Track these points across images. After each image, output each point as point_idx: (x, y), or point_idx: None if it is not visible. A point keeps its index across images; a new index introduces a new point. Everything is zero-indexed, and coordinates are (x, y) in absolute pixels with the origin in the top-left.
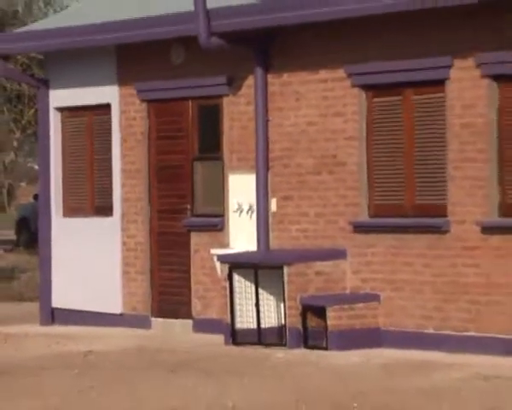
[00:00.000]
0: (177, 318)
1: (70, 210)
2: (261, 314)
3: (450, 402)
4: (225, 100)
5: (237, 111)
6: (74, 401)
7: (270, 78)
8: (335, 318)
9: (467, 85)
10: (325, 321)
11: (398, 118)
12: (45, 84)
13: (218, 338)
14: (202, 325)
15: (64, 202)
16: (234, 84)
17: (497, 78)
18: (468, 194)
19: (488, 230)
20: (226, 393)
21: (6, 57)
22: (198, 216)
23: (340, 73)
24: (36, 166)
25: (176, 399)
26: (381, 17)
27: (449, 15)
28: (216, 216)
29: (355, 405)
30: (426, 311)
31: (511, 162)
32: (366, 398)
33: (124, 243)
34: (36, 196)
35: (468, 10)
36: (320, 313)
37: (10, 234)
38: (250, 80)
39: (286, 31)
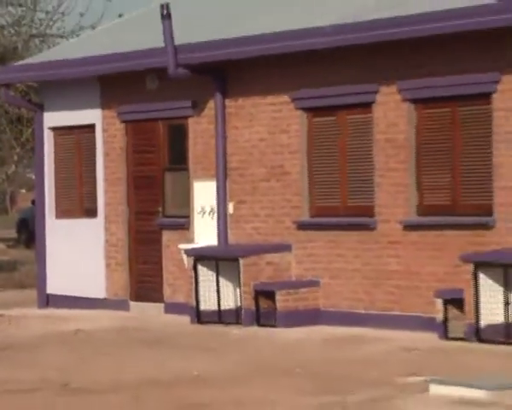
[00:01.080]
0: (151, 302)
1: (61, 213)
2: (221, 298)
3: (379, 369)
4: (190, 120)
5: (200, 129)
6: (67, 371)
7: (227, 102)
8: (283, 300)
9: (390, 107)
10: (274, 303)
11: (333, 134)
12: (40, 108)
13: (185, 318)
14: (172, 308)
15: (56, 205)
16: (197, 107)
17: (414, 101)
18: (392, 197)
19: (408, 227)
20: (192, 364)
21: (8, 85)
22: (168, 217)
23: (285, 98)
24: (33, 176)
25: (150, 369)
26: (319, 51)
27: (374, 51)
28: (183, 217)
29: (298, 370)
30: (357, 294)
31: (427, 171)
32: (308, 366)
33: (106, 240)
34: (33, 201)
35: (393, 46)
36: (270, 296)
37: (12, 233)
38: (211, 104)
39: (240, 63)
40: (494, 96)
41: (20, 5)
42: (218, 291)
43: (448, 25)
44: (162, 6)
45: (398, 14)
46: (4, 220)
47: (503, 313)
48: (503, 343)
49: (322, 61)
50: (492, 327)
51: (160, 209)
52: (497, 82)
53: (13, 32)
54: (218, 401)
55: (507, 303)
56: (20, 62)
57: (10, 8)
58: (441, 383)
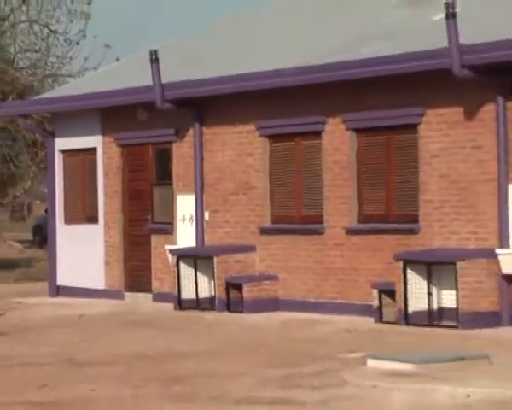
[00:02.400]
0: (141, 292)
1: (69, 219)
2: (198, 289)
3: (326, 347)
4: (174, 145)
5: (182, 152)
6: (73, 347)
7: (204, 130)
8: (249, 291)
9: (336, 135)
10: (242, 293)
11: (290, 157)
12: (52, 134)
13: (170, 306)
14: (159, 297)
15: (65, 213)
16: (180, 134)
17: (356, 130)
18: (337, 208)
19: (350, 232)
20: (174, 342)
21: (26, 116)
22: (156, 223)
23: (251, 127)
24: (46, 190)
25: (140, 346)
26: (280, 89)
27: (325, 88)
28: (168, 223)
29: (262, 350)
30: (309, 286)
31: (365, 187)
32: (270, 344)
33: (106, 242)
34: (46, 210)
35: (339, 85)
36: (238, 288)
37: (28, 236)
38: (191, 131)
39: (215, 98)
40: (420, 126)
41: (36, 51)
42: (196, 283)
43: (382, 68)
44: (151, 52)
45: (343, 60)
46: (22, 226)
47: (427, 301)
48: (427, 326)
49: (282, 97)
50: (418, 313)
51: (149, 217)
52: (422, 115)
53: (30, 72)
54: (197, 372)
55: (429, 293)
56: (36, 97)
57: (28, 54)
58: (376, 358)
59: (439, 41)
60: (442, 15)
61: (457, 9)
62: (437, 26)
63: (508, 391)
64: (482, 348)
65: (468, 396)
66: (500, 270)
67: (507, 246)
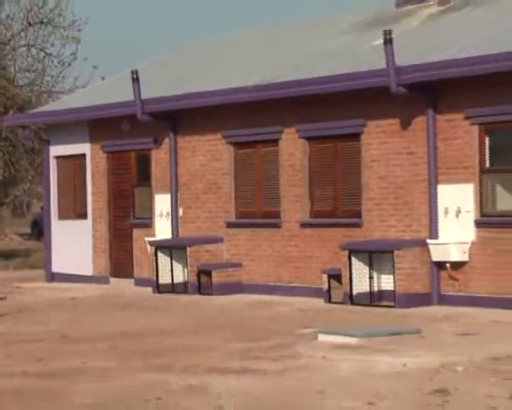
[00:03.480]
0: (124, 277)
1: (62, 215)
2: (174, 275)
3: (283, 323)
4: (153, 151)
5: (159, 158)
6: (65, 326)
7: (178, 138)
8: (217, 277)
9: (291, 143)
10: (211, 279)
11: (252, 161)
12: (47, 142)
13: (149, 289)
14: (139, 282)
15: (59, 210)
16: (157, 142)
17: (307, 139)
18: (292, 205)
19: (303, 225)
20: (153, 321)
21: (24, 127)
22: (137, 219)
23: (219, 136)
24: (42, 190)
25: (124, 324)
26: (243, 103)
27: (281, 103)
28: (147, 218)
29: (228, 326)
30: (268, 272)
31: (316, 187)
32: (235, 321)
33: (93, 235)
34: (42, 208)
35: (293, 100)
36: (208, 274)
37: (27, 230)
38: (167, 140)
39: (187, 111)
40: (362, 135)
41: (33, 71)
42: (172, 270)
43: (330, 86)
44: (132, 72)
45: (297, 78)
46: (22, 221)
47: (368, 284)
48: (368, 305)
49: (245, 111)
50: (361, 294)
51: (131, 213)
52: (364, 126)
53: (28, 90)
54: (173, 347)
55: (371, 278)
56: (33, 111)
57: (27, 74)
58: (326, 333)
59: (379, 62)
60: (381, 41)
61: (394, 35)
62: (377, 49)
63: (437, 359)
64: (415, 324)
65: (405, 365)
66: (430, 258)
67: (436, 237)
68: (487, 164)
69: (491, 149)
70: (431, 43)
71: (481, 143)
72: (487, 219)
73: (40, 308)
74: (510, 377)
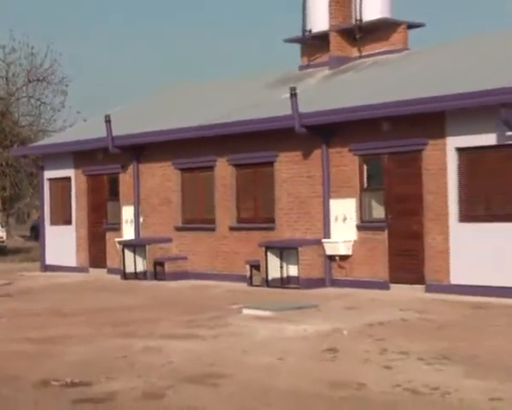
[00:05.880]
0: (100, 268)
1: (53, 222)
2: (137, 266)
3: (217, 301)
4: (120, 175)
5: (126, 180)
6: (58, 304)
7: (140, 165)
8: (168, 267)
9: (222, 168)
10: (164, 268)
11: (195, 182)
12: (42, 168)
13: (118, 277)
14: (112, 271)
15: (51, 218)
16: (124, 168)
17: (235, 166)
18: (224, 214)
19: (232, 228)
20: (121, 300)
21: (25, 156)
22: (109, 224)
23: (169, 163)
24: (38, 203)
25: (100, 302)
26: (188, 139)
27: (217, 139)
28: (117, 224)
29: (180, 303)
30: (206, 263)
31: (242, 200)
32: (182, 300)
33: (76, 236)
34: (39, 216)
35: (225, 138)
36: (162, 265)
37: (28, 232)
38: (131, 166)
39: (146, 145)
40: (275, 163)
41: (32, 115)
42: (135, 262)
43: (251, 127)
44: (105, 116)
45: (226, 121)
46: (24, 227)
47: (279, 272)
48: (280, 287)
49: (189, 145)
50: (274, 279)
51: (105, 220)
52: (276, 156)
53: (28, 129)
54: (136, 319)
55: (281, 267)
56: (32, 145)
57: (27, 117)
58: (248, 307)
59: (287, 110)
60: (288, 94)
61: (298, 91)
62: (285, 101)
63: (329, 326)
64: (314, 300)
65: (305, 330)
66: (325, 252)
67: (329, 237)
68: (365, 184)
69: (367, 173)
70: (325, 96)
71: (361, 169)
72: (365, 225)
73: (37, 291)
74: (381, 339)
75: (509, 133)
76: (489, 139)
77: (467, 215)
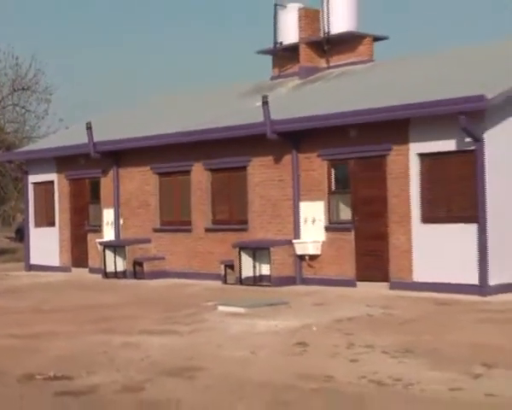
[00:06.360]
0: (82, 267)
1: (37, 224)
2: (117, 265)
3: (194, 299)
4: (102, 179)
5: (107, 184)
6: (41, 302)
7: (120, 170)
8: (147, 266)
9: (198, 173)
10: (143, 268)
11: (172, 186)
12: (26, 173)
13: (99, 276)
14: (93, 270)
15: (35, 220)
16: (105, 172)
17: (210, 170)
18: (200, 216)
19: (207, 230)
20: (103, 297)
21: (10, 161)
22: (90, 226)
23: (148, 168)
24: (23, 206)
25: (82, 300)
26: (165, 145)
27: (192, 145)
28: (98, 226)
29: (158, 301)
30: (184, 262)
31: (216, 203)
32: (161, 298)
33: (60, 237)
34: (23, 219)
35: (200, 143)
36: (141, 264)
37: (13, 234)
38: (111, 171)
39: (126, 151)
40: (248, 167)
41: (17, 122)
42: (115, 262)
43: (226, 133)
44: (87, 123)
45: (203, 128)
46: (9, 229)
47: (252, 271)
48: (253, 285)
49: (167, 151)
50: (247, 278)
51: (86, 222)
52: (249, 161)
53: (13, 135)
54: (116, 315)
55: (254, 266)
56: (17, 150)
57: (12, 124)
58: (223, 304)
59: (259, 117)
60: (260, 103)
61: (270, 99)
62: (258, 109)
63: (299, 321)
64: (285, 297)
65: (277, 326)
66: (295, 252)
67: (299, 238)
68: (333, 188)
69: (335, 177)
70: (295, 104)
71: (329, 174)
72: (333, 226)
73: (22, 290)
74: (348, 333)
75: (468, 140)
76: (449, 145)
77: (428, 217)
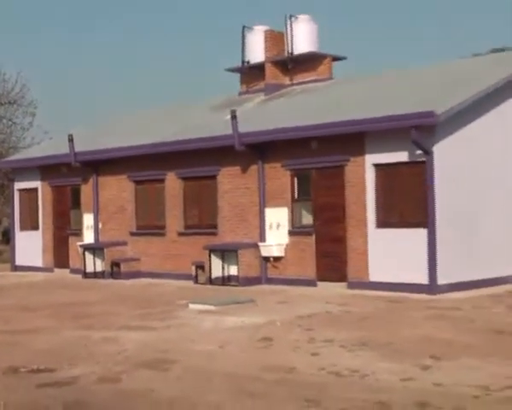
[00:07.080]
0: (64, 268)
1: (22, 228)
2: (96, 266)
3: (167, 297)
4: (82, 186)
5: (87, 190)
6: (25, 300)
7: (99, 178)
8: (124, 267)
9: (172, 181)
10: (120, 268)
11: (147, 193)
12: (13, 180)
13: (79, 276)
14: (74, 271)
15: (20, 224)
16: (85, 180)
17: (183, 179)
18: (173, 220)
19: (180, 234)
20: (83, 296)
21: None
22: (72, 230)
23: (124, 176)
24: (9, 211)
25: (63, 298)
26: (141, 155)
27: (166, 155)
28: (79, 230)
29: (138, 298)
30: (157, 263)
31: (188, 209)
32: (137, 295)
33: (43, 240)
34: (9, 223)
35: (174, 154)
36: (118, 265)
37: None
38: (91, 179)
39: (103, 161)
40: (218, 176)
41: (4, 134)
42: (94, 263)
43: (196, 145)
44: (69, 135)
45: (176, 140)
46: None
47: (221, 271)
48: (221, 285)
49: (142, 160)
50: (217, 278)
51: (68, 226)
52: (219, 170)
53: (0, 146)
54: (95, 312)
55: (223, 267)
56: (4, 160)
57: (0, 135)
58: (194, 302)
59: (228, 130)
60: (229, 117)
61: (238, 113)
62: (227, 122)
63: (264, 318)
64: (251, 296)
65: (243, 322)
66: (261, 254)
67: (264, 241)
68: (296, 195)
69: (298, 186)
70: (261, 118)
71: (292, 182)
72: (295, 230)
73: (8, 288)
74: (309, 329)
75: (419, 152)
76: (401, 157)
77: (383, 222)
